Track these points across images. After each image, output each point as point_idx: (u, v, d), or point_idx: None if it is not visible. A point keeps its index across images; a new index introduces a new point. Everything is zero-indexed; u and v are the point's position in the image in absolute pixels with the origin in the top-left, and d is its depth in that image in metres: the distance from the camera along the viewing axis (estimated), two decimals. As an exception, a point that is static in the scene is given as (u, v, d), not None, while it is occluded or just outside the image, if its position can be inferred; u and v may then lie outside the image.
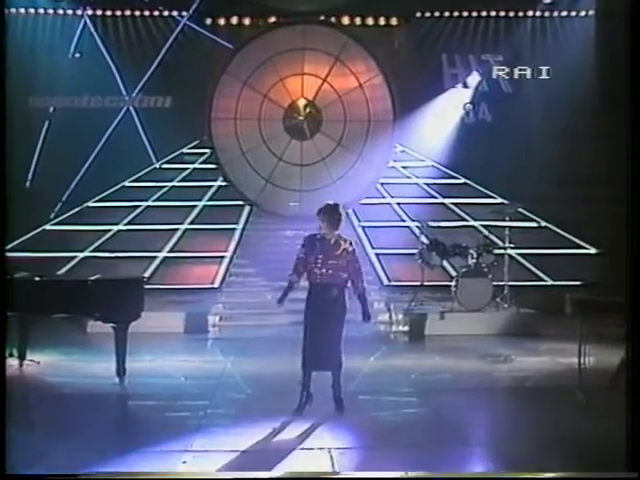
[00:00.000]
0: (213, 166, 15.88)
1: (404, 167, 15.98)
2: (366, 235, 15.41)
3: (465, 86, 15.76)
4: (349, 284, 7.28)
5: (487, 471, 5.92)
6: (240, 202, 15.79)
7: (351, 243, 7.36)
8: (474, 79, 15.71)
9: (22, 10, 15.30)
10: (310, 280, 7.30)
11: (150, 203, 15.53)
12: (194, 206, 15.62)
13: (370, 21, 15.84)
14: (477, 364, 9.85)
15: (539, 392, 8.37)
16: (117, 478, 5.54)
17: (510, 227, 12.95)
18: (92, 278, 8.75)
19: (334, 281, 7.18)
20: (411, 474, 5.57)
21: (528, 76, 15.61)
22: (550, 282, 14.81)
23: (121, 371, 8.55)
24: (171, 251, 15.11)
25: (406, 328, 12.44)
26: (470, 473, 5.99)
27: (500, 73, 15.57)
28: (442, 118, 15.64)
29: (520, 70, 15.60)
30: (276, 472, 5.74)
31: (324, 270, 7.20)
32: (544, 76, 15.45)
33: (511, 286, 12.76)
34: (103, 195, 15.36)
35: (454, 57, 15.66)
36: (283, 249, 14.37)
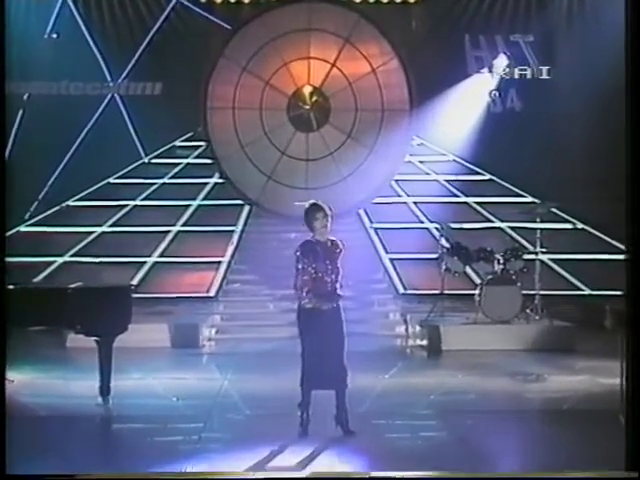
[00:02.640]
0: (209, 161, 15.89)
1: (422, 162, 15.97)
2: (379, 238, 15.41)
3: (491, 71, 15.75)
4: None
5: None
6: (239, 201, 15.80)
7: (340, 242, 7.49)
8: (501, 63, 15.70)
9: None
10: (317, 291, 7.32)
11: (138, 202, 15.54)
12: (187, 206, 15.64)
13: (385, -3, 15.85)
14: (505, 383, 9.81)
15: (576, 416, 8.32)
16: (117, 478, 6.00)
17: (542, 229, 12.93)
18: (72, 286, 8.74)
19: (339, 287, 7.37)
20: (412, 474, 5.84)
21: (563, 58, 15.49)
22: (588, 291, 14.74)
23: (105, 390, 8.53)
24: (161, 256, 15.11)
25: (424, 342, 12.42)
26: (470, 473, 6.21)
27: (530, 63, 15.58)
28: (465, 107, 15.62)
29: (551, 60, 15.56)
30: (276, 472, 5.93)
31: (333, 277, 7.35)
32: (582, 57, 15.28)
33: (543, 295, 12.73)
34: (85, 193, 15.38)
35: (478, 38, 15.64)
36: (287, 254, 14.25)
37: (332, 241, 7.44)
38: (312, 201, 7.50)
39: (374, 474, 6.17)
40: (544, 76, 15.63)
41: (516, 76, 15.71)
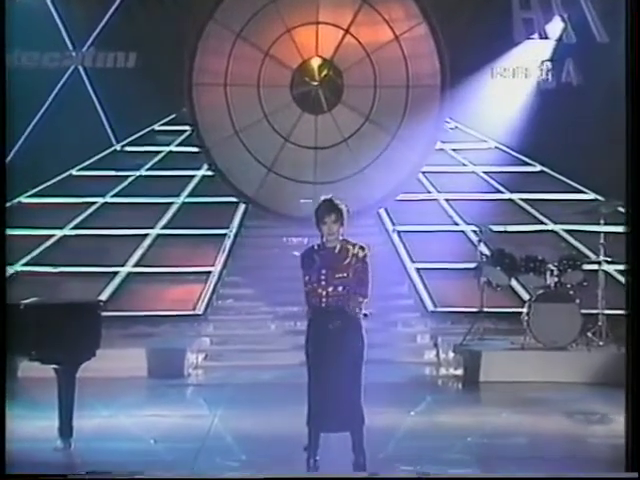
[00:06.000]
0: (195, 149, 15.91)
1: (456, 150, 15.99)
2: (403, 244, 15.43)
3: (543, 37, 15.70)
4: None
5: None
6: (232, 198, 15.80)
7: (362, 247, 7.35)
8: (556, 27, 15.64)
9: None
10: (311, 305, 7.31)
11: (108, 199, 15.57)
12: (169, 204, 15.65)
13: (410, -53, 15.88)
14: (561, 424, 9.79)
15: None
16: (116, 478, 6.65)
17: (606, 233, 12.86)
18: (26, 301, 8.71)
19: (345, 303, 7.22)
20: (411, 475, 6.37)
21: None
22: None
23: (66, 431, 8.49)
24: (137, 265, 15.13)
25: (459, 371, 12.46)
26: (470, 473, 6.86)
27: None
28: (510, 82, 15.65)
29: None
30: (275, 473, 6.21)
31: (330, 289, 7.23)
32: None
33: (608, 315, 12.66)
34: (42, 187, 15.40)
35: (528, -4, 15.66)
36: (291, 263, 14.26)
37: (344, 246, 7.29)
38: (326, 197, 7.33)
39: (375, 474, 6.52)
40: (609, 43, 15.54)
41: (574, 43, 15.66)
